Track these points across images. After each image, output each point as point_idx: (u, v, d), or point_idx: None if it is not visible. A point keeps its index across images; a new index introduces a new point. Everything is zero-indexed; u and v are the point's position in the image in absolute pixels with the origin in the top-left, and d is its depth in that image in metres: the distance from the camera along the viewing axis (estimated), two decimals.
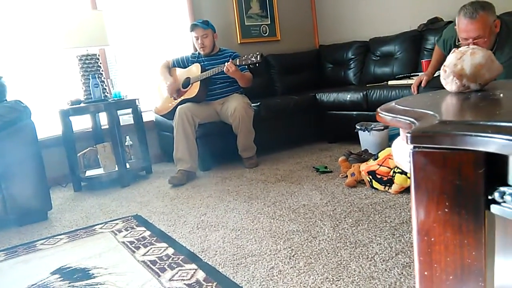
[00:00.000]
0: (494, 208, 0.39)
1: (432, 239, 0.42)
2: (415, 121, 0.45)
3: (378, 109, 0.59)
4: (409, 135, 0.41)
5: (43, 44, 3.33)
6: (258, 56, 2.87)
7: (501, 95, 0.56)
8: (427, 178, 0.41)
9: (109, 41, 3.16)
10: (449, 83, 0.62)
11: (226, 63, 2.94)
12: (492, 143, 0.35)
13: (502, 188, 0.38)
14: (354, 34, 4.23)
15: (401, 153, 0.57)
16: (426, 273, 0.43)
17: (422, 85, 2.55)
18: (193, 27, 3.19)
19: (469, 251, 0.40)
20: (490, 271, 0.41)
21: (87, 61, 3.09)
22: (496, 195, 0.38)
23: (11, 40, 3.23)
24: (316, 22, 4.73)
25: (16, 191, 2.33)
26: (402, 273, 1.41)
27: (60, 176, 3.27)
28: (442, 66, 0.65)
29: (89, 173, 3.17)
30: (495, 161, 0.38)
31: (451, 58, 0.63)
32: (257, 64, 2.91)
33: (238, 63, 2.95)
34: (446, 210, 0.41)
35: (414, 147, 0.42)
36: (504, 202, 0.38)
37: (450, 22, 3.31)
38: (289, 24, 4.55)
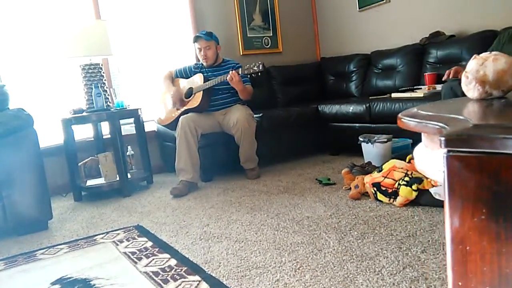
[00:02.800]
0: None
1: (468, 248, 0.40)
2: (445, 125, 0.44)
3: (400, 115, 0.57)
4: (443, 138, 0.40)
5: (46, 53, 3.33)
6: (261, 66, 2.88)
7: None
8: (462, 184, 0.40)
9: (112, 50, 3.16)
10: (471, 89, 0.61)
11: (230, 72, 2.95)
12: None
13: None
14: (355, 47, 4.26)
15: (426, 160, 0.56)
16: (460, 283, 0.41)
17: (451, 75, 2.36)
18: (196, 38, 3.20)
19: (508, 260, 0.38)
20: None
21: (90, 71, 3.09)
22: None
23: (15, 48, 3.23)
24: (317, 35, 4.77)
25: (17, 200, 2.30)
26: (410, 287, 1.38)
27: (61, 185, 3.24)
28: (464, 72, 0.64)
29: (90, 182, 3.14)
30: None
31: (473, 64, 0.62)
32: (259, 73, 2.92)
33: (240, 72, 2.95)
34: (483, 217, 0.39)
35: (448, 151, 0.40)
36: None
37: (452, 36, 3.34)
38: (291, 36, 4.58)
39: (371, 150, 2.94)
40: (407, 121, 0.54)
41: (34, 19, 3.29)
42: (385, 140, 2.87)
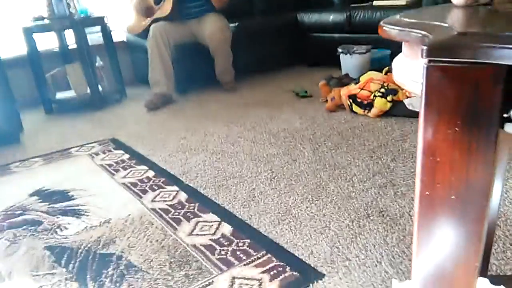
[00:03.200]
0: (508, 127, 0.37)
1: (438, 159, 0.41)
2: (428, 34, 0.41)
3: (381, 23, 0.54)
4: (425, 47, 0.37)
5: None
6: None
7: None
8: (441, 95, 0.39)
9: None
10: None
11: None
12: None
13: None
14: None
15: (404, 70, 0.54)
16: (427, 193, 0.42)
17: None
18: None
19: (476, 170, 0.39)
20: (496, 191, 0.41)
21: None
22: None
23: None
24: None
25: None
26: (379, 192, 1.46)
27: (29, 99, 3.10)
28: None
29: (59, 95, 3.03)
30: None
31: None
32: None
33: None
34: (457, 129, 0.39)
35: (429, 61, 0.38)
36: None
37: None
38: None
39: (349, 61, 2.90)
40: (388, 29, 0.51)
41: None
42: (364, 51, 2.82)
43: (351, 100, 2.29)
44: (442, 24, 0.43)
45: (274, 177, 1.66)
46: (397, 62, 0.55)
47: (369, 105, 2.23)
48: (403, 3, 2.83)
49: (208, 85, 3.18)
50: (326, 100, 2.48)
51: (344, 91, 2.35)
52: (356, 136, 2.01)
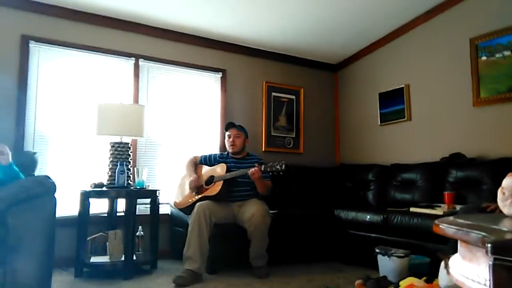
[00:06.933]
0: None
1: None
2: (488, 235, 0.44)
3: (437, 221, 0.58)
4: (489, 245, 0.40)
5: (81, 127, 3.51)
6: (283, 165, 2.94)
7: None
8: None
9: (144, 133, 3.32)
10: (507, 205, 0.62)
11: (253, 168, 3.02)
12: None
13: None
14: (375, 158, 4.36)
15: (462, 271, 0.55)
16: None
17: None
18: (230, 125, 3.38)
19: None
20: None
21: (118, 149, 3.21)
22: None
23: (52, 118, 3.42)
24: (338, 142, 4.94)
25: (20, 268, 2.22)
26: None
27: (65, 258, 3.13)
28: (500, 188, 0.66)
29: (94, 259, 3.06)
30: None
31: (509, 181, 0.63)
32: (280, 173, 2.97)
33: (263, 169, 3.01)
34: None
35: (495, 259, 0.40)
36: None
37: (473, 159, 3.40)
38: (313, 140, 4.77)
39: (387, 263, 2.82)
40: (445, 228, 0.54)
41: (76, 93, 3.53)
42: (403, 254, 2.77)
43: None
44: (500, 227, 0.46)
45: None
46: (454, 263, 0.57)
47: None
48: (440, 213, 2.90)
49: (240, 268, 3.12)
50: None
51: None
52: None
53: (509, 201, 0.62)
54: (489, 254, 0.39)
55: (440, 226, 0.56)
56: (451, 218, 0.58)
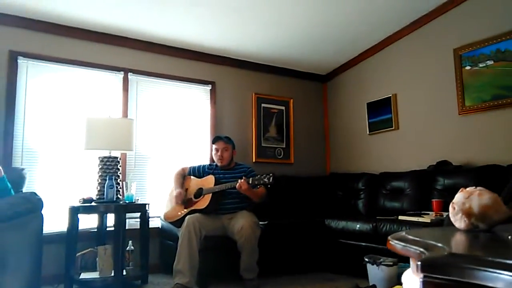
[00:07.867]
0: None
1: None
2: (424, 251, 0.46)
3: (389, 237, 0.60)
4: (419, 263, 0.42)
5: (71, 143, 3.51)
6: (271, 178, 2.92)
7: (510, 237, 0.57)
8: None
9: (133, 146, 3.33)
10: (458, 220, 0.64)
11: (239, 180, 3.02)
12: (500, 280, 0.36)
13: None
14: (364, 166, 4.40)
15: (411, 284, 0.57)
16: None
17: None
18: (217, 139, 3.39)
19: None
20: None
21: (107, 163, 3.21)
22: None
23: (40, 133, 3.42)
24: (329, 151, 4.97)
25: (7, 286, 2.22)
26: None
27: (53, 275, 3.12)
28: (451, 203, 0.68)
29: (83, 275, 3.04)
30: None
31: (460, 196, 0.66)
32: (268, 186, 2.97)
33: (250, 182, 3.02)
34: None
35: (424, 276, 0.42)
36: None
37: (459, 166, 3.44)
38: (303, 150, 4.79)
39: (376, 272, 2.83)
40: (394, 244, 0.57)
41: (65, 108, 3.54)
42: (391, 263, 2.79)
43: None
44: (438, 244, 0.49)
45: None
46: (406, 276, 0.59)
47: None
48: (428, 220, 2.92)
49: (230, 281, 3.11)
50: None
51: None
52: None
53: (459, 215, 0.65)
54: (419, 271, 0.42)
55: (391, 242, 0.58)
56: (402, 233, 0.60)
